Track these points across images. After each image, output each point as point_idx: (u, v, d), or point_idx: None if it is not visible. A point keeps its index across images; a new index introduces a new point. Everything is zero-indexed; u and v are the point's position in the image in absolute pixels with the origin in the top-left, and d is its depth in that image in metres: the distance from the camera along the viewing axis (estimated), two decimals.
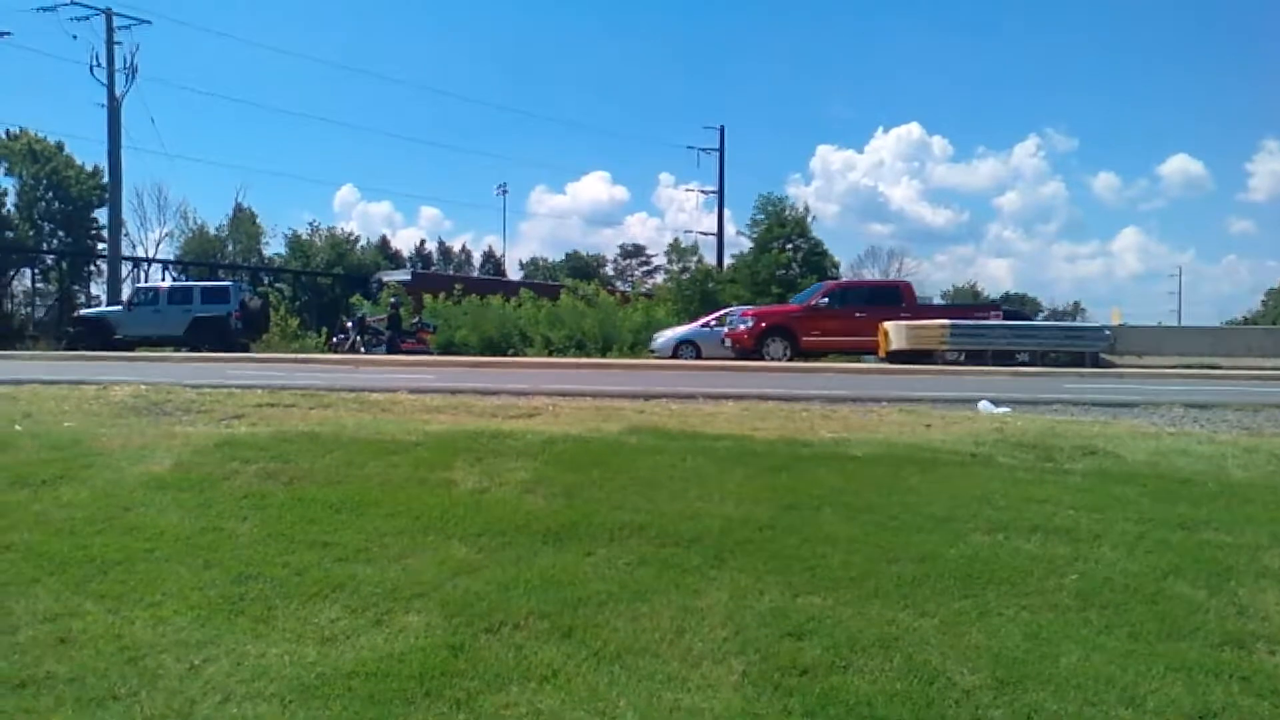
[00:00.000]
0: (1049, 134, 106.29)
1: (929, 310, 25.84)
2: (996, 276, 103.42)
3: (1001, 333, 25.73)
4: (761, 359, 23.02)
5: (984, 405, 10.71)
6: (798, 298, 26.82)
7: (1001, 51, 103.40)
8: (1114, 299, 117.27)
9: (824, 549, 5.18)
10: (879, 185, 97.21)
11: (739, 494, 6.13)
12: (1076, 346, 25.56)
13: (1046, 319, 52.54)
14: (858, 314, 24.12)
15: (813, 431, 8.27)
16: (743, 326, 24.38)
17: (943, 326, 25.65)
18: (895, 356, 25.10)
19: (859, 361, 23.66)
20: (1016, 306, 50.13)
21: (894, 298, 25.18)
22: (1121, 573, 4.97)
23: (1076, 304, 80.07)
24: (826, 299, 24.68)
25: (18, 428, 7.95)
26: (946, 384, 15.07)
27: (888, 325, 26.08)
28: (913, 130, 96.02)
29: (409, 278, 41.86)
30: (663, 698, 3.68)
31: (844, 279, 29.79)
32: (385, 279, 42.93)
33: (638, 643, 4.11)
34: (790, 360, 22.73)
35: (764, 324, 24.11)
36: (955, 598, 4.61)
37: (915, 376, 17.93)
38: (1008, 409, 10.49)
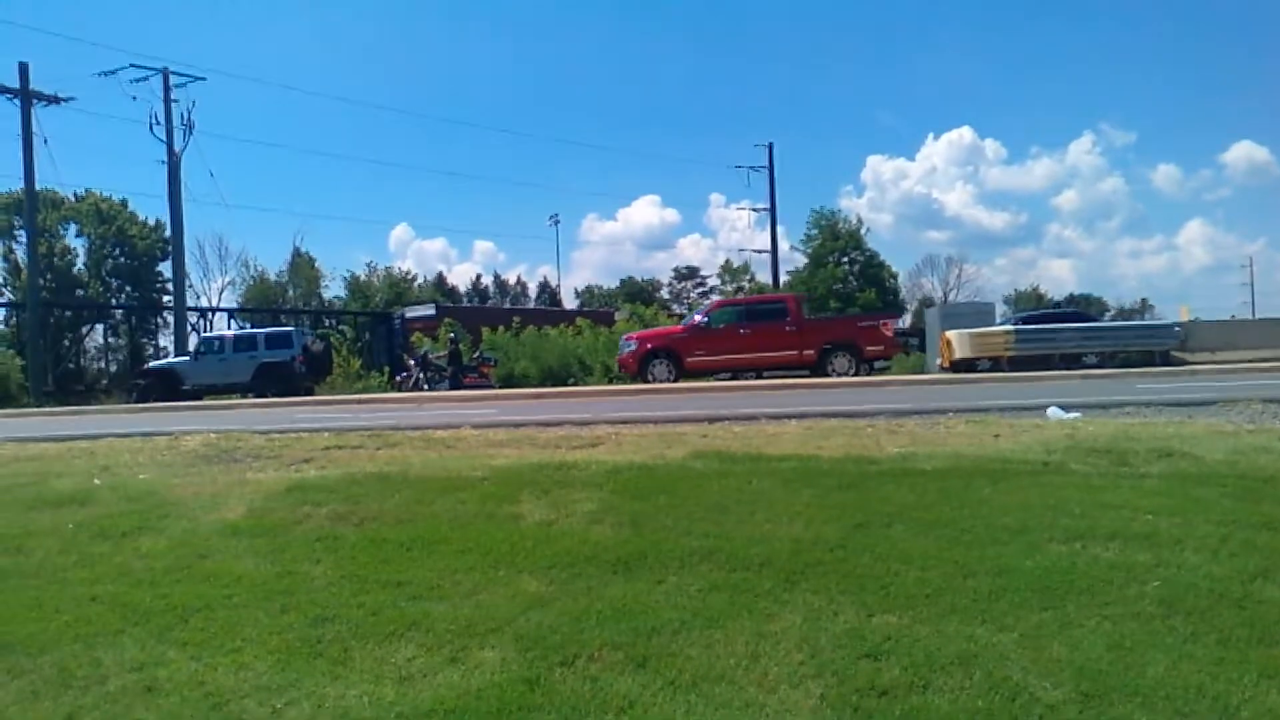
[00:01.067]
0: (1104, 129, 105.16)
1: (817, 324, 25.32)
2: (1059, 277, 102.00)
3: (1068, 336, 25.35)
4: (646, 381, 22.96)
5: (1053, 411, 10.53)
6: (687, 319, 26.49)
7: (1050, 50, 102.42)
8: (1182, 295, 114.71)
9: (897, 566, 5.12)
10: (933, 192, 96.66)
11: (807, 514, 6.08)
12: (1146, 345, 25.12)
13: (1113, 319, 51.52)
14: (742, 331, 23.80)
15: (879, 447, 8.19)
16: (627, 350, 24.42)
17: (1007, 333, 25.34)
18: (958, 366, 24.84)
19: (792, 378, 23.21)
20: (1081, 307, 49.32)
21: (779, 313, 24.48)
22: (1206, 577, 4.84)
23: (1144, 301, 78.61)
24: (707, 318, 24.50)
25: (97, 481, 8.16)
26: (1012, 391, 14.84)
27: (950, 334, 25.83)
28: (964, 135, 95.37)
29: (433, 312, 41.93)
30: None
31: (728, 298, 29.01)
32: (408, 315, 43.27)
33: (713, 670, 4.09)
34: (675, 381, 22.68)
35: (647, 346, 24.06)
36: (1034, 610, 4.52)
37: (980, 385, 17.70)
38: (1078, 414, 10.30)
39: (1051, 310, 38.81)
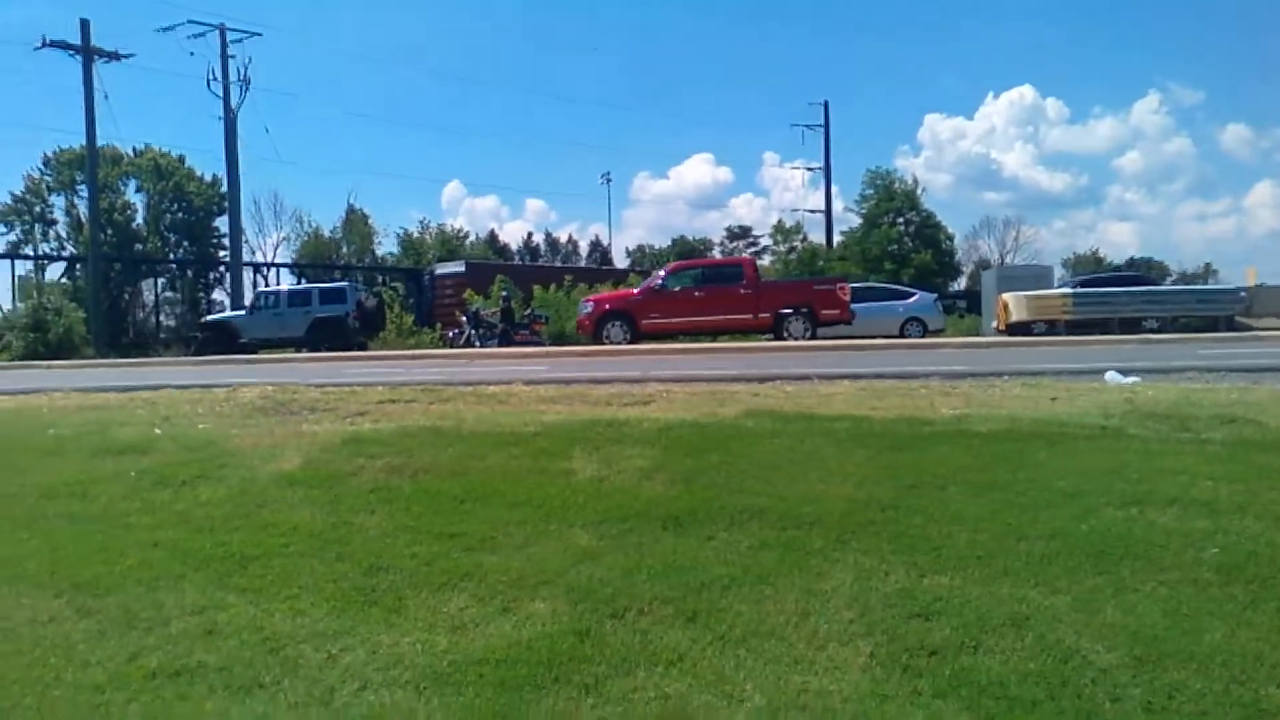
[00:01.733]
0: (1171, 88, 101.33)
1: (772, 287, 25.11)
2: (1119, 241, 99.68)
3: (1128, 300, 24.90)
4: (601, 343, 22.79)
5: (1111, 375, 10.36)
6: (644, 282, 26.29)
7: (1116, 5, 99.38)
8: (1249, 258, 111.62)
9: (949, 528, 5.09)
10: (991, 152, 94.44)
11: (860, 475, 6.05)
12: (1209, 311, 24.64)
13: (1175, 283, 50.47)
14: (697, 294, 23.61)
15: (933, 409, 8.12)
16: (584, 312, 24.41)
17: (1065, 296, 24.95)
18: (1015, 329, 24.52)
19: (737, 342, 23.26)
20: (1141, 271, 48.38)
21: (734, 276, 24.30)
22: (1268, 545, 4.75)
23: (1208, 266, 76.25)
24: (662, 281, 24.35)
25: (157, 431, 8.34)
26: (1070, 355, 14.63)
27: (1007, 297, 25.50)
28: (1025, 94, 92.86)
29: (463, 269, 41.68)
30: (789, 680, 3.67)
31: (685, 260, 28.48)
32: (438, 272, 43.22)
33: (763, 626, 4.11)
34: (631, 343, 22.44)
35: (605, 308, 24.00)
36: (1088, 575, 4.48)
37: (1036, 349, 17.47)
38: (1137, 378, 10.13)
39: (1111, 274, 38.09)
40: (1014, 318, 24.96)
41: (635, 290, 25.20)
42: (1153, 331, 22.97)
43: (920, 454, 6.50)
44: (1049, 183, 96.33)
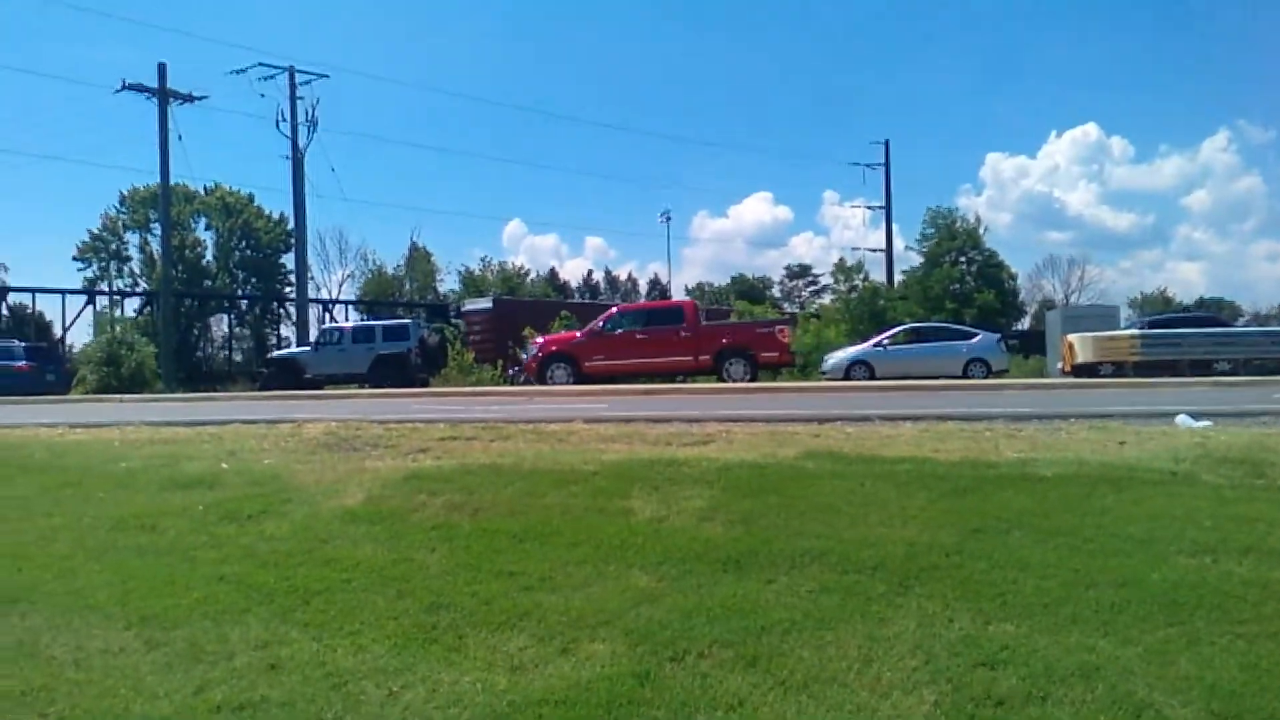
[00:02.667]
0: (1240, 126, 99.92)
1: (712, 329, 25.01)
2: (1188, 280, 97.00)
3: (1198, 341, 24.37)
4: (545, 385, 22.97)
5: (1182, 419, 10.12)
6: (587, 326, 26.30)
7: (1182, 44, 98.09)
8: None
9: (1015, 574, 4.99)
10: (1054, 191, 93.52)
11: (922, 518, 5.97)
12: None
13: (1247, 324, 49.27)
14: (638, 336, 23.82)
15: (997, 452, 7.99)
16: (528, 355, 24.76)
17: (1133, 337, 24.50)
18: (1080, 370, 24.11)
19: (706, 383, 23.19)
20: (1212, 312, 47.35)
21: (675, 318, 24.55)
22: None
23: None
24: (604, 324, 24.47)
25: (224, 466, 8.49)
26: (1138, 398, 14.32)
27: (1072, 337, 25.09)
28: (1089, 132, 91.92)
29: (490, 305, 41.76)
30: None
31: (626, 303, 28.75)
32: (465, 308, 43.40)
33: (824, 672, 4.05)
34: (573, 384, 22.52)
35: (550, 349, 24.24)
36: (1160, 625, 4.36)
37: (1103, 391, 17.14)
38: (1209, 422, 9.88)
39: (1180, 314, 37.27)
40: (1080, 359, 24.52)
41: (578, 333, 25.44)
42: (1224, 374, 22.43)
43: (984, 498, 6.40)
44: (1114, 221, 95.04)
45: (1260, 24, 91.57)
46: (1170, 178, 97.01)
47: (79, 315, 45.11)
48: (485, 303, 42.88)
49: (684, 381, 23.91)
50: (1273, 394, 14.25)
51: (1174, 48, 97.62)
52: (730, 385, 22.34)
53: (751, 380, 22.74)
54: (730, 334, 24.71)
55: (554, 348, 24.57)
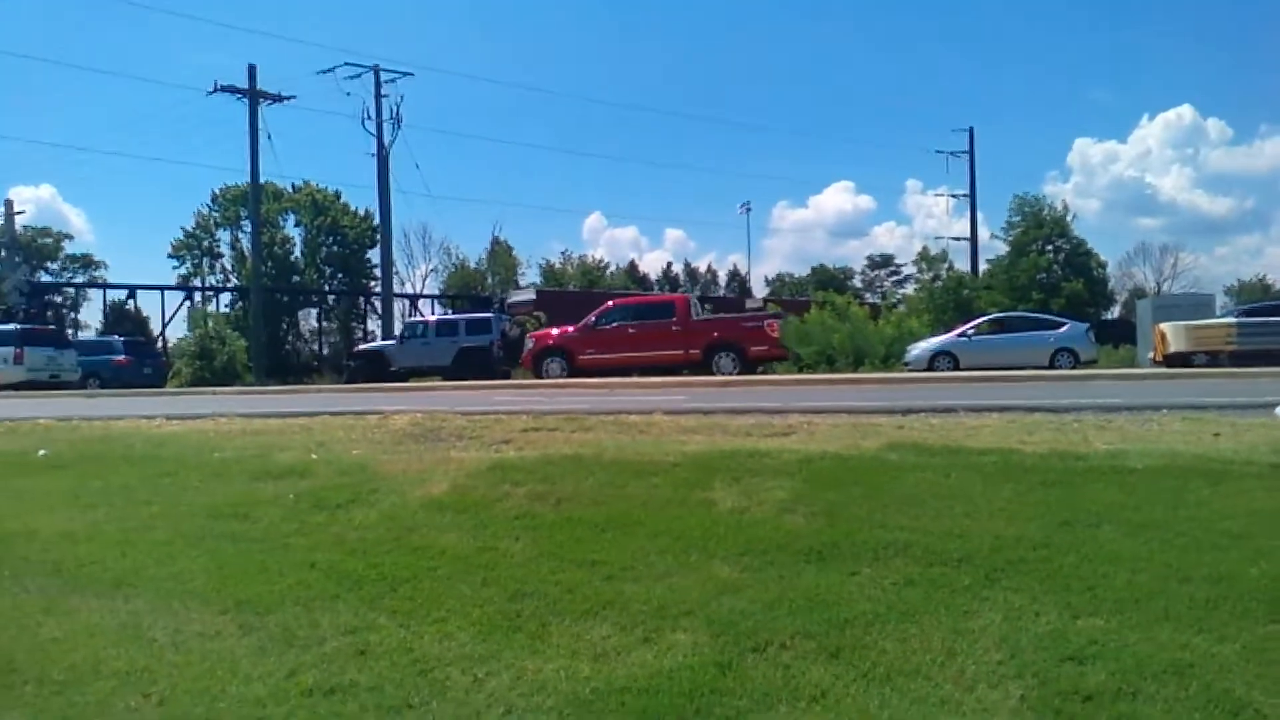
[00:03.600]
0: None
1: (702, 324, 25.11)
2: None
3: None
4: (541, 378, 23.52)
5: None
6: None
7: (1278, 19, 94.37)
8: None
9: (1105, 568, 4.88)
10: (1146, 176, 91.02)
11: (1008, 511, 5.87)
12: None
13: None
14: (630, 330, 24.28)
15: (1086, 443, 7.82)
16: (526, 348, 25.47)
17: (1229, 325, 23.77)
18: (1173, 360, 23.47)
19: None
20: None
21: (666, 312, 25.08)
22: None
23: None
24: (597, 318, 24.87)
25: (314, 456, 8.69)
26: (1235, 388, 13.88)
27: (1164, 326, 24.40)
28: (1183, 114, 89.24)
29: (533, 297, 41.76)
30: None
31: (622, 298, 28.66)
32: (510, 300, 43.49)
33: (908, 664, 4.02)
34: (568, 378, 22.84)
35: (545, 344, 24.90)
36: (1260, 622, 4.23)
37: (1197, 381, 16.65)
38: None
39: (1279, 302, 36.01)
40: (1172, 348, 23.84)
41: (573, 327, 25.75)
42: None
43: (1072, 490, 6.27)
44: (1210, 207, 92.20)
45: None
46: (1271, 159, 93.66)
47: (175, 311, 46.52)
48: (529, 294, 43.09)
49: (687, 374, 24.09)
50: None
51: (1273, 22, 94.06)
52: (812, 377, 22.15)
53: (740, 374, 22.99)
54: (720, 328, 25.03)
55: (549, 341, 25.34)
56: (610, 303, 27.11)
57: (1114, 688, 3.73)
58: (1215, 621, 4.25)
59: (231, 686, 4.18)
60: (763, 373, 24.23)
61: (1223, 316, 26.84)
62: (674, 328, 24.38)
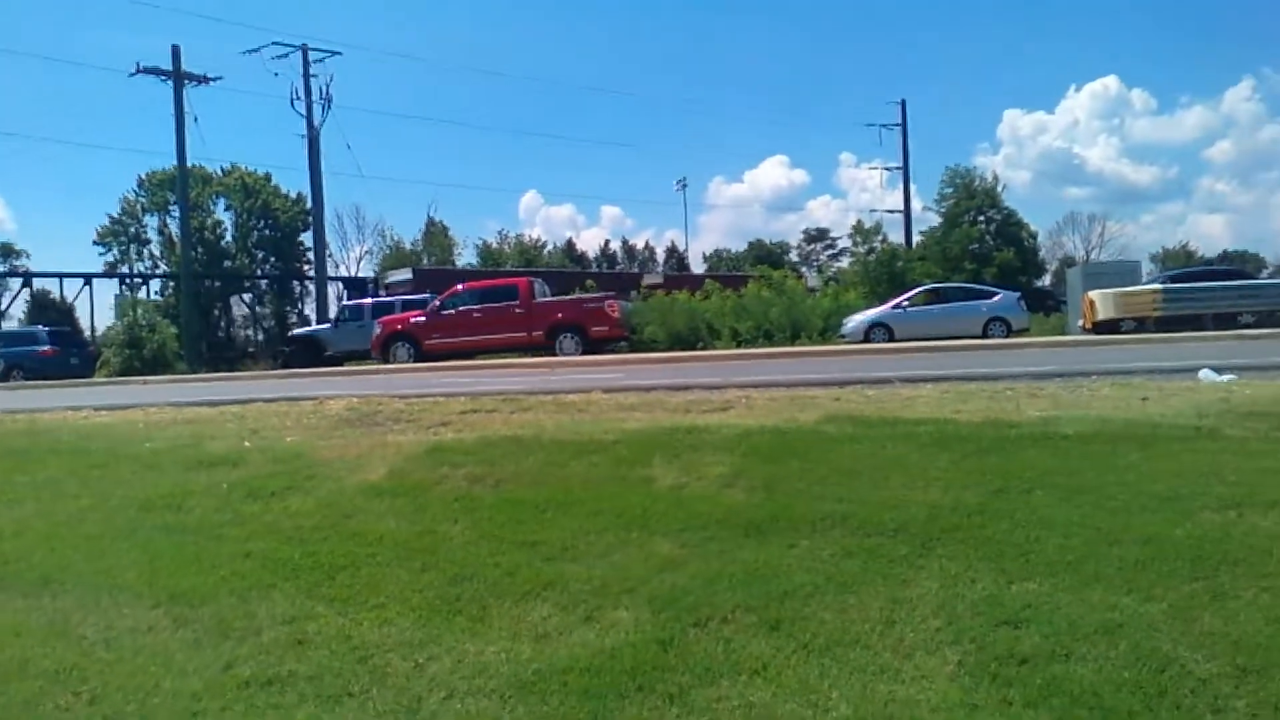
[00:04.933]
0: (1266, 74, 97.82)
1: (545, 306, 25.33)
2: (1211, 234, 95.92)
3: (1222, 294, 24.19)
4: (388, 363, 23.80)
5: (1205, 374, 10.04)
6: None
7: None
8: None
9: (1038, 533, 4.97)
10: (1074, 147, 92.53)
11: (944, 479, 5.95)
12: None
13: (1272, 276, 48.78)
14: (475, 314, 24.63)
15: (1019, 411, 7.95)
16: (374, 333, 25.61)
17: (1155, 292, 24.34)
18: (1101, 327, 23.98)
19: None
20: (1235, 265, 46.88)
21: (511, 295, 25.29)
22: None
23: None
24: (443, 303, 25.27)
25: (247, 444, 8.54)
26: (1161, 353, 14.22)
27: (1093, 294, 24.93)
28: (1109, 85, 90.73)
29: (410, 276, 41.32)
30: (876, 690, 3.63)
31: (471, 282, 28.99)
32: (389, 280, 43.12)
33: (847, 634, 4.06)
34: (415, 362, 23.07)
35: (392, 329, 25.17)
36: (1185, 580, 4.33)
37: (1125, 347, 17.04)
38: (1233, 376, 9.80)
39: (1203, 268, 36.92)
40: (1101, 315, 24.38)
41: (420, 312, 25.98)
42: (1248, 327, 22.24)
43: (1006, 457, 6.37)
44: (1135, 176, 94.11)
45: None
46: (1192, 129, 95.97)
47: (94, 298, 45.39)
48: (405, 274, 42.51)
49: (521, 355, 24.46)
50: None
51: None
52: (750, 351, 22.28)
53: (583, 354, 23.18)
54: (561, 310, 25.10)
55: (397, 326, 25.44)
56: (459, 286, 27.10)
57: (1048, 650, 3.80)
58: (1143, 582, 4.35)
59: (165, 681, 4.11)
60: (612, 352, 24.44)
61: (1149, 283, 27.46)
62: (518, 310, 24.60)
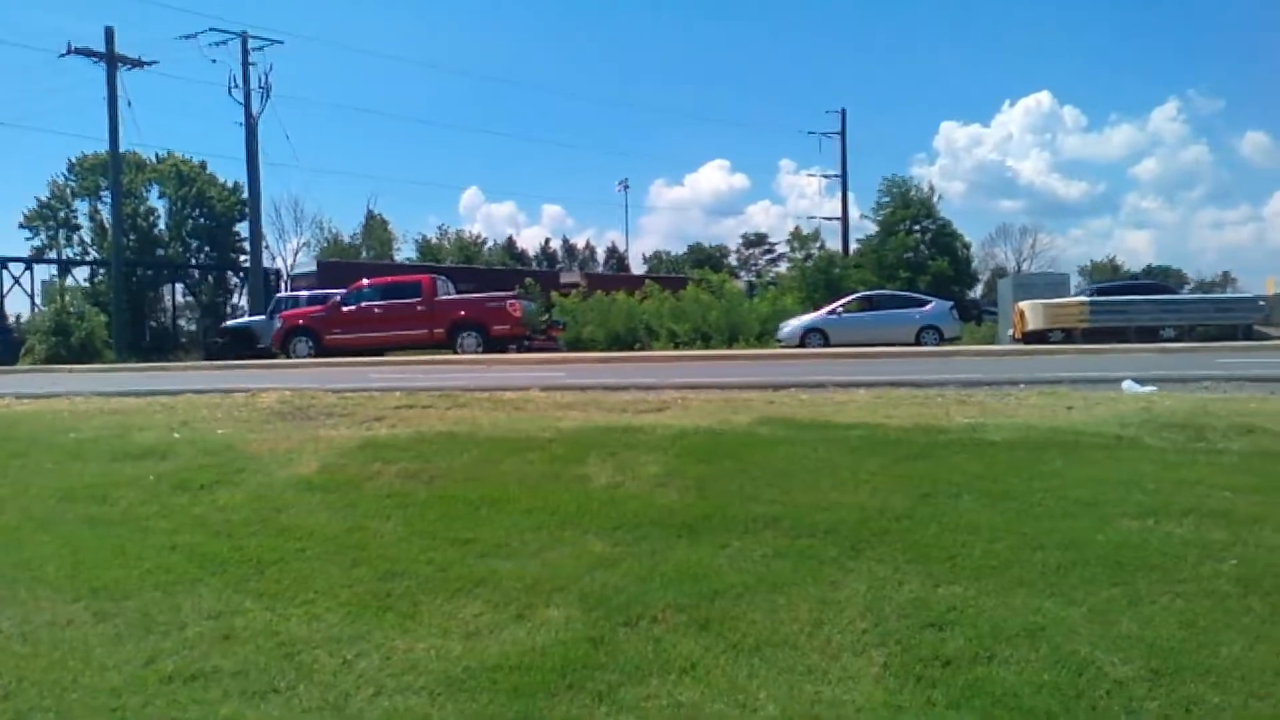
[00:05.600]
0: (1190, 96, 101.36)
1: (446, 304, 24.98)
2: (1136, 249, 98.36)
3: (1145, 308, 24.82)
4: (289, 358, 23.52)
5: (1128, 385, 10.31)
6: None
7: (1134, 13, 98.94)
8: (1268, 267, 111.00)
9: (964, 537, 5.07)
10: (1007, 160, 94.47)
11: (874, 483, 6.04)
12: (1227, 319, 24.51)
13: (1193, 292, 50.17)
14: (376, 310, 24.34)
15: (948, 418, 8.09)
16: (274, 328, 25.36)
17: (1082, 304, 24.88)
18: (1031, 337, 24.45)
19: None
20: (1159, 279, 48.09)
21: (413, 292, 24.90)
22: None
23: (1225, 274, 75.94)
24: (344, 298, 25.02)
25: (176, 435, 8.39)
26: (1086, 364, 14.57)
27: (1024, 305, 25.42)
28: (1041, 101, 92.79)
29: (314, 269, 40.86)
30: (803, 690, 3.68)
31: (376, 277, 28.86)
32: (294, 273, 42.86)
33: (776, 635, 4.11)
34: (315, 357, 22.99)
35: (293, 324, 24.82)
36: (1104, 585, 4.46)
37: (1053, 357, 17.40)
38: (1154, 388, 10.08)
39: (1128, 282, 37.83)
40: (1030, 325, 24.88)
41: (320, 307, 25.63)
42: (1170, 340, 22.85)
43: (935, 463, 6.49)
44: (1065, 190, 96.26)
45: None
46: (1120, 147, 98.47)
47: (15, 283, 44.12)
48: (310, 267, 41.96)
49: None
50: (1215, 359, 14.56)
51: (1126, 16, 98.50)
52: (688, 353, 22.37)
53: (484, 353, 23.03)
54: (464, 308, 24.80)
55: (299, 321, 25.02)
56: (364, 281, 26.68)
57: (971, 652, 3.88)
58: (1065, 586, 4.46)
59: (84, 677, 4.02)
60: (515, 350, 24.21)
61: (1077, 296, 28.08)
62: (419, 307, 24.22)
